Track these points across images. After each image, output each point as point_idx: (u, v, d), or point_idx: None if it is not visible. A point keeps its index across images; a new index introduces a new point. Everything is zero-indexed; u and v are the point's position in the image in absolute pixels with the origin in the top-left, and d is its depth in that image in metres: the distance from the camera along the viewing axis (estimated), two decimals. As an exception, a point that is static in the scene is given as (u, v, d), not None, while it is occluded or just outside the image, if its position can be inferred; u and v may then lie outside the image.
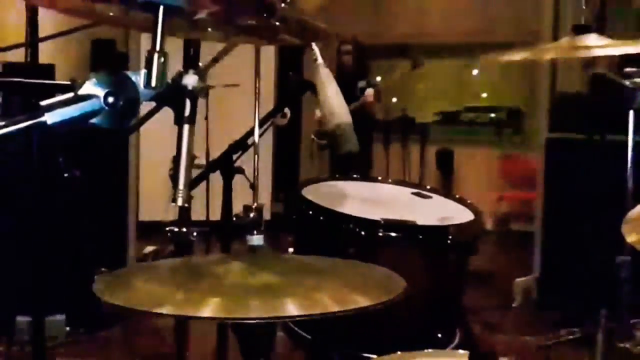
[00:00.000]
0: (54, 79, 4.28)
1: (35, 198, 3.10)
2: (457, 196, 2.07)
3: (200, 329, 2.11)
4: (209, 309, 1.08)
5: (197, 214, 5.18)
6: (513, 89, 8.05)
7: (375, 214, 1.78)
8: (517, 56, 2.18)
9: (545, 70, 5.18)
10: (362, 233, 1.70)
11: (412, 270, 1.71)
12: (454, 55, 8.09)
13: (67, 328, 3.69)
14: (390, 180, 2.21)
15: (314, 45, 1.98)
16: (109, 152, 4.05)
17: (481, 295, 4.69)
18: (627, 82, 2.18)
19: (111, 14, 0.90)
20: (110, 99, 0.78)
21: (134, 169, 4.66)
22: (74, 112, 0.77)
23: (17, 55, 3.77)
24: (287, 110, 2.10)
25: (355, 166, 4.76)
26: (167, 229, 1.78)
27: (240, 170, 2.13)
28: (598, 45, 1.93)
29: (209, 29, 1.05)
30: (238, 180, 2.10)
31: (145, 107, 1.04)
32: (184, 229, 1.78)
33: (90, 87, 0.78)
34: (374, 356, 1.40)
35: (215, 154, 2.37)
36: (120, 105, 0.79)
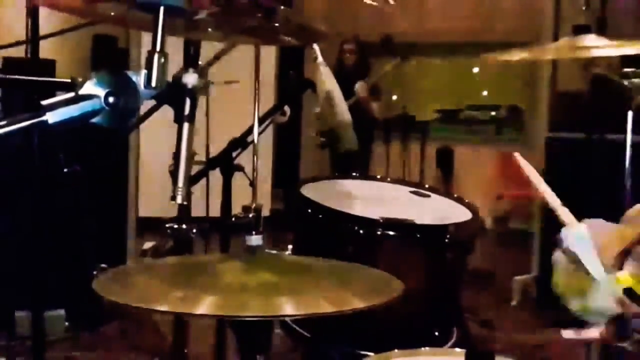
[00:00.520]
0: (54, 75, 4.29)
1: (35, 194, 3.12)
2: (455, 195, 2.08)
3: (199, 325, 2.12)
4: (206, 306, 1.09)
5: (197, 210, 5.19)
6: (513, 87, 8.06)
7: (374, 213, 1.78)
8: (516, 56, 2.19)
9: (546, 70, 5.18)
10: (361, 232, 1.71)
11: (410, 268, 1.72)
12: (454, 54, 8.10)
13: (67, 323, 3.70)
14: (389, 179, 2.22)
15: (314, 45, 1.99)
16: (109, 148, 4.05)
17: (480, 294, 4.70)
18: (626, 83, 2.19)
19: (112, 13, 0.91)
20: (111, 99, 0.79)
21: (133, 165, 4.67)
22: (75, 112, 0.77)
23: (18, 50, 3.78)
24: (287, 108, 2.11)
25: (355, 164, 4.77)
26: (167, 225, 1.78)
27: (240, 168, 2.14)
28: (597, 46, 1.94)
29: (209, 29, 1.05)
30: (237, 177, 2.11)
31: (145, 104, 1.05)
32: (184, 226, 1.79)
33: (91, 86, 0.79)
34: (372, 354, 1.41)
35: (215, 150, 2.38)
36: (120, 105, 0.80)
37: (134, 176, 4.73)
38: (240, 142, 2.18)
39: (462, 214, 1.92)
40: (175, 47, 1.12)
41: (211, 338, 2.01)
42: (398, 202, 2.03)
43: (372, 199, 2.02)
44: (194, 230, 1.74)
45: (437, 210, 1.94)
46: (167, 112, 1.10)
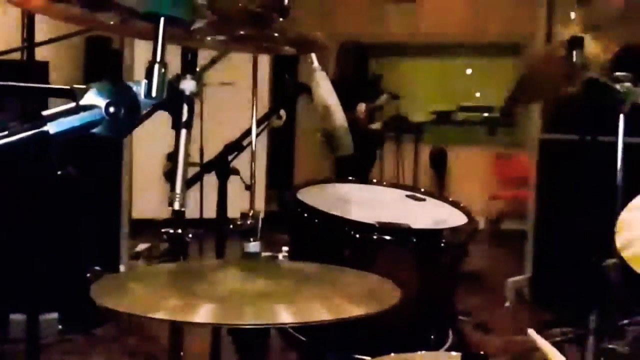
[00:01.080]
0: (47, 77, 4.27)
1: (29, 198, 3.11)
2: (451, 199, 2.09)
3: (194, 329, 2.12)
4: (204, 314, 1.09)
5: (191, 212, 5.19)
6: (507, 88, 8.07)
7: (370, 217, 1.79)
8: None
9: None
10: (357, 236, 1.72)
11: (406, 272, 1.73)
12: (448, 56, 8.12)
13: (60, 326, 3.70)
14: (385, 183, 2.23)
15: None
16: (103, 150, 4.04)
17: (474, 295, 4.71)
18: (617, 86, 2.21)
19: (111, 22, 0.91)
20: (112, 109, 0.79)
21: (127, 167, 4.66)
22: (76, 122, 0.78)
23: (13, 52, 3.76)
24: (283, 112, 2.11)
25: (358, 169, 4.78)
26: (163, 230, 1.78)
27: (236, 172, 2.15)
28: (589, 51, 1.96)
29: (208, 38, 1.06)
30: (231, 180, 2.11)
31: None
32: (180, 230, 1.79)
33: (91, 96, 0.79)
34: (368, 358, 1.41)
35: (209, 153, 2.38)
36: (121, 115, 0.80)
37: (127, 178, 4.72)
38: (236, 146, 2.18)
39: (457, 218, 1.93)
40: (171, 53, 1.12)
41: (206, 342, 2.01)
42: (394, 206, 2.04)
43: (368, 203, 2.02)
44: (190, 235, 1.75)
45: (432, 214, 1.95)
46: (160, 114, 1.10)
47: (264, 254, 1.71)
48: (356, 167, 4.49)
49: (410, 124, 7.61)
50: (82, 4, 0.81)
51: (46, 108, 0.78)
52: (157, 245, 4.66)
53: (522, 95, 1.82)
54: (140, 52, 5.02)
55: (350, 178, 2.19)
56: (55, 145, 0.78)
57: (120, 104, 0.79)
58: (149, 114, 1.58)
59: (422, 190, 2.13)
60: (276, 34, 1.01)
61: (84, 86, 0.79)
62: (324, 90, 1.92)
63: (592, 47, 2.03)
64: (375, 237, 1.72)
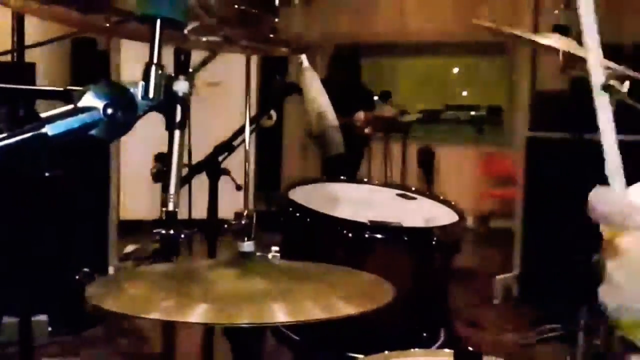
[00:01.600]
0: (34, 78, 4.25)
1: (18, 199, 3.10)
2: (441, 197, 2.11)
3: (187, 329, 2.12)
4: (198, 314, 1.10)
5: (180, 212, 5.18)
6: (494, 87, 8.12)
7: (362, 216, 1.80)
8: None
9: (525, 69, 5.23)
10: (349, 235, 1.73)
11: (398, 270, 1.74)
12: (434, 54, 8.15)
13: (50, 328, 3.68)
14: (376, 182, 2.24)
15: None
16: (91, 151, 4.03)
17: (463, 293, 4.73)
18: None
19: (106, 25, 0.92)
20: (109, 111, 0.80)
21: (115, 168, 4.65)
22: (74, 124, 0.78)
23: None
24: (273, 112, 2.12)
25: (345, 169, 4.80)
26: (155, 230, 1.78)
27: (226, 172, 2.15)
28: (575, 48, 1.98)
29: (202, 39, 1.06)
30: (222, 180, 2.12)
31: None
32: (172, 231, 1.79)
33: (89, 98, 0.79)
34: (361, 356, 1.42)
35: (197, 152, 2.38)
36: (118, 116, 0.80)
37: (116, 179, 4.71)
38: (227, 146, 2.19)
39: (448, 216, 1.94)
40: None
41: (199, 343, 2.02)
42: (385, 204, 2.05)
43: (359, 201, 2.03)
44: (182, 236, 1.75)
45: (423, 213, 1.96)
46: (149, 115, 1.11)
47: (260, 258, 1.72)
48: (344, 166, 4.50)
49: (398, 123, 7.62)
50: (79, 7, 0.81)
51: (33, 110, 0.79)
52: (147, 246, 4.64)
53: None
54: (126, 53, 5.01)
55: (341, 177, 2.20)
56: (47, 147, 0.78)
57: (118, 106, 0.80)
58: (142, 115, 1.58)
59: (413, 188, 2.15)
60: (270, 35, 1.02)
61: (80, 88, 0.80)
62: (315, 90, 1.93)
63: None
64: (367, 235, 1.73)
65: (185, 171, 2.18)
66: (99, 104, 0.79)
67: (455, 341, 1.80)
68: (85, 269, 4.03)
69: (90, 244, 4.11)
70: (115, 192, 4.65)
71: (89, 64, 5.35)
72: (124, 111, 0.81)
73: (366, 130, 5.86)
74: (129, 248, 5.15)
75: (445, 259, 1.87)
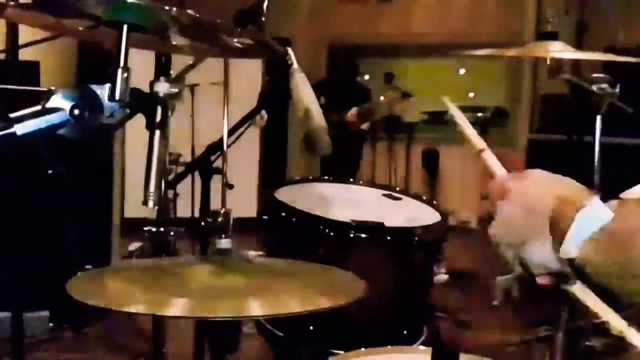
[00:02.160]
0: (38, 77, 4.31)
1: (20, 195, 3.14)
2: (424, 198, 2.14)
3: (178, 326, 2.16)
4: (177, 308, 1.13)
5: (182, 211, 5.23)
6: (498, 89, 8.13)
7: (346, 215, 1.83)
8: (481, 52, 2.26)
9: (527, 73, 5.26)
10: (332, 234, 1.76)
11: (380, 269, 1.77)
12: (439, 56, 8.15)
13: (50, 324, 3.73)
14: (362, 182, 2.28)
15: (289, 50, 2.04)
16: (94, 149, 4.07)
17: (464, 294, 4.74)
18: (594, 88, 2.25)
19: (80, 28, 0.95)
20: (76, 112, 0.84)
21: (118, 165, 4.69)
22: (42, 124, 0.82)
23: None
24: (264, 112, 2.16)
25: (344, 168, 4.83)
26: (145, 228, 1.83)
27: (219, 171, 2.19)
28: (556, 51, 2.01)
29: (180, 44, 1.10)
30: (218, 180, 2.16)
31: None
32: (162, 229, 1.83)
33: (57, 99, 0.83)
34: (341, 352, 1.46)
35: (200, 151, 2.43)
36: (85, 117, 0.84)
37: (119, 177, 4.75)
38: (219, 146, 2.23)
39: (431, 216, 1.98)
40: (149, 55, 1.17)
41: (190, 337, 2.05)
42: (370, 204, 2.08)
43: (345, 201, 2.07)
44: (172, 233, 1.79)
45: (407, 213, 1.99)
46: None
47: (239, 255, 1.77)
48: (342, 166, 4.54)
49: (402, 124, 7.64)
50: (49, 11, 0.85)
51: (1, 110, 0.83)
52: (149, 245, 4.68)
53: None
54: (131, 51, 5.05)
55: (328, 177, 2.24)
56: (45, 144, 0.83)
57: (84, 107, 0.84)
58: (128, 117, 1.63)
59: (398, 189, 2.18)
60: (248, 40, 1.05)
61: (53, 88, 0.84)
62: (302, 90, 1.96)
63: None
64: (350, 235, 1.77)
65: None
66: (67, 105, 0.83)
67: (435, 339, 1.83)
68: (88, 267, 4.08)
69: (94, 241, 4.15)
70: (118, 190, 4.69)
71: (96, 64, 5.38)
72: (91, 112, 0.85)
73: (362, 127, 5.88)
74: (133, 246, 5.20)
75: (427, 258, 1.90)
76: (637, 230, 0.82)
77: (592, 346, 2.27)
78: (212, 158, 2.23)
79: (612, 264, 0.84)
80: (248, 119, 2.19)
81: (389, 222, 1.82)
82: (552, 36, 2.09)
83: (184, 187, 3.06)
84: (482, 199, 5.96)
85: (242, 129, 2.20)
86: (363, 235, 1.77)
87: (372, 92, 6.25)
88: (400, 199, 2.12)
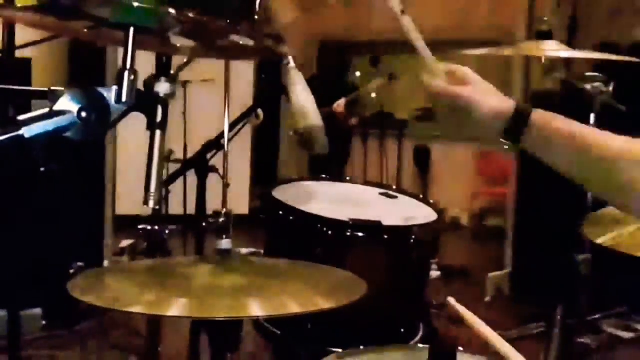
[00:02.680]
0: (30, 73, 4.29)
1: (11, 193, 3.13)
2: (421, 196, 2.16)
3: (173, 324, 2.16)
4: (178, 308, 1.14)
5: (174, 209, 5.22)
6: (492, 84, 8.12)
7: (344, 214, 1.84)
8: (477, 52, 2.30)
9: (519, 70, 5.27)
10: (330, 233, 1.78)
11: (377, 268, 1.79)
12: (431, 52, 8.16)
13: (44, 322, 3.72)
14: (359, 181, 2.29)
15: (286, 49, 2.05)
16: (86, 146, 4.05)
17: (455, 290, 4.77)
18: (588, 87, 2.28)
19: (85, 30, 0.96)
20: (84, 114, 0.84)
21: (110, 163, 4.68)
22: (50, 126, 0.82)
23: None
24: (260, 111, 2.17)
25: (331, 166, 4.84)
26: (140, 227, 1.83)
27: (215, 170, 2.20)
28: (552, 50, 2.03)
29: (180, 45, 1.10)
30: (215, 177, 2.16)
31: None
32: (157, 227, 1.83)
33: (64, 102, 0.84)
34: (339, 350, 1.47)
35: (193, 148, 2.43)
36: (92, 119, 0.85)
37: (111, 174, 4.74)
38: (215, 144, 2.24)
39: (427, 215, 1.99)
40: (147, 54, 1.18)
41: (185, 336, 2.06)
42: (367, 203, 2.09)
43: (342, 200, 2.08)
44: (167, 232, 1.79)
45: (404, 211, 2.01)
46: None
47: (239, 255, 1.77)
48: (331, 162, 4.54)
49: (394, 120, 7.65)
50: (54, 13, 0.85)
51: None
52: (141, 242, 4.67)
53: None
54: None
55: (325, 176, 2.25)
56: (35, 143, 0.83)
57: (91, 109, 0.84)
58: (123, 116, 1.63)
59: (394, 187, 2.20)
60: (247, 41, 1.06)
61: (60, 88, 0.84)
62: (300, 89, 1.97)
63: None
64: (347, 233, 1.78)
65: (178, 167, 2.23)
66: (74, 107, 0.84)
67: (431, 335, 1.84)
68: (80, 264, 4.07)
69: (86, 238, 4.15)
70: (110, 187, 4.68)
71: (87, 62, 5.37)
72: (98, 115, 0.85)
73: (352, 122, 5.89)
74: (124, 243, 5.19)
75: (424, 257, 1.92)
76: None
77: (586, 343, 2.30)
78: (208, 156, 2.24)
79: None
80: (244, 117, 2.20)
81: (387, 221, 1.83)
82: (547, 35, 2.11)
83: (176, 184, 3.07)
84: (473, 196, 6.00)
85: (238, 127, 2.20)
86: (360, 234, 1.78)
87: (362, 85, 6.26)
88: (396, 197, 2.14)
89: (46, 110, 0.82)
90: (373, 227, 1.79)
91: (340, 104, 5.62)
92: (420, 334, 1.88)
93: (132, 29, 0.87)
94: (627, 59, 2.28)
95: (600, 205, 1.83)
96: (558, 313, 2.04)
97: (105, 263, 4.44)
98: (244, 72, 6.24)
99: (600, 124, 2.42)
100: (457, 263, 5.60)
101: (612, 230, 1.69)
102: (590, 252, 2.30)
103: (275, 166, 7.52)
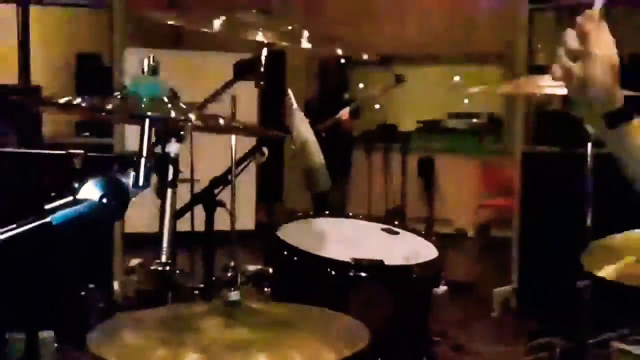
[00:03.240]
0: (40, 98, 4.36)
1: (20, 211, 3.20)
2: (422, 232, 2.23)
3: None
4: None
5: (181, 226, 5.27)
6: (493, 97, 8.18)
7: (346, 253, 1.92)
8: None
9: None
10: (333, 273, 1.85)
11: (380, 306, 1.85)
12: (434, 65, 8.22)
13: (56, 344, 3.77)
14: (360, 216, 2.37)
15: (289, 92, 2.14)
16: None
17: (461, 305, 4.78)
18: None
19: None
20: (105, 200, 0.92)
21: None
22: (74, 213, 0.90)
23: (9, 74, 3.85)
24: (265, 149, 2.25)
25: (334, 172, 4.91)
26: (151, 267, 1.88)
27: (222, 204, 2.28)
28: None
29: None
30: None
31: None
32: (168, 268, 1.89)
33: (87, 190, 0.91)
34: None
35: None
36: (112, 205, 0.92)
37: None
38: (222, 180, 2.32)
39: (428, 251, 2.07)
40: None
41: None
42: (369, 240, 2.17)
43: (344, 238, 2.16)
44: (178, 272, 1.85)
45: (405, 248, 2.08)
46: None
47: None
48: (332, 171, 4.61)
49: (398, 133, 7.71)
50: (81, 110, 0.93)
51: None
52: (150, 260, 4.71)
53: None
54: (130, 69, 5.14)
55: (328, 213, 2.33)
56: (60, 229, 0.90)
57: (112, 196, 0.92)
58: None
59: (396, 223, 2.27)
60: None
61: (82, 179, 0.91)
62: (302, 128, 2.06)
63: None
64: (350, 274, 1.85)
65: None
66: (96, 194, 0.91)
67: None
68: (91, 285, 4.13)
69: (95, 258, 4.19)
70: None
71: (93, 79, 5.46)
72: (117, 199, 0.93)
73: (355, 133, 5.97)
74: (133, 262, 5.24)
75: (425, 293, 1.99)
76: None
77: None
78: (216, 191, 2.32)
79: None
80: (250, 155, 2.29)
81: (388, 260, 1.90)
82: (541, 69, 2.18)
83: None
84: (478, 208, 6.02)
85: (243, 165, 2.29)
86: (362, 275, 1.86)
87: (367, 97, 6.33)
88: (398, 233, 2.21)
89: (70, 198, 0.90)
90: (375, 267, 1.87)
91: (344, 112, 5.68)
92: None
93: (147, 120, 0.94)
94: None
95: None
96: (557, 343, 2.11)
97: (115, 283, 4.50)
98: (248, 110, 6.32)
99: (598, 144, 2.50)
100: (464, 276, 5.60)
101: (613, 263, 1.73)
102: (591, 280, 2.37)
103: (280, 181, 7.56)
